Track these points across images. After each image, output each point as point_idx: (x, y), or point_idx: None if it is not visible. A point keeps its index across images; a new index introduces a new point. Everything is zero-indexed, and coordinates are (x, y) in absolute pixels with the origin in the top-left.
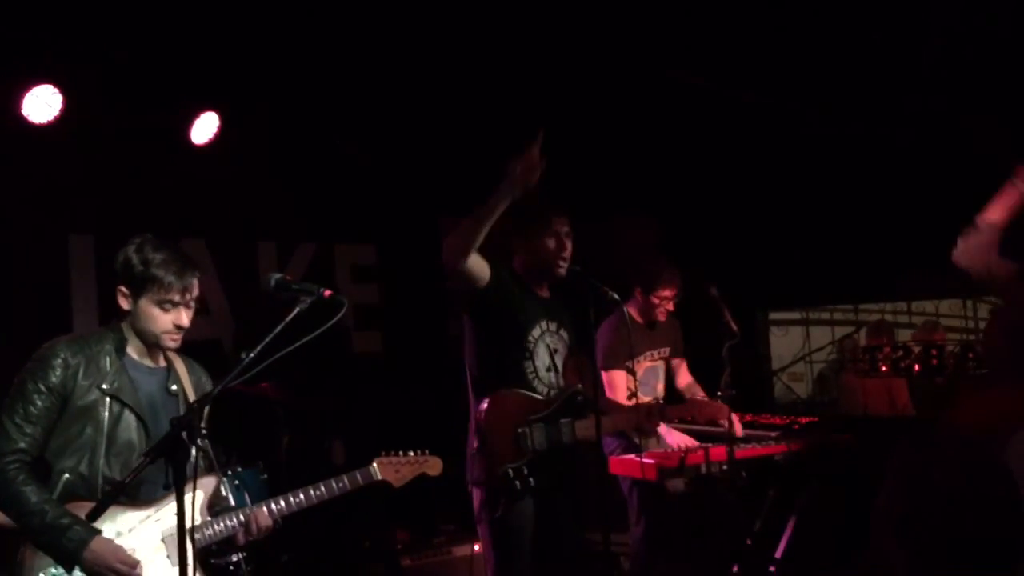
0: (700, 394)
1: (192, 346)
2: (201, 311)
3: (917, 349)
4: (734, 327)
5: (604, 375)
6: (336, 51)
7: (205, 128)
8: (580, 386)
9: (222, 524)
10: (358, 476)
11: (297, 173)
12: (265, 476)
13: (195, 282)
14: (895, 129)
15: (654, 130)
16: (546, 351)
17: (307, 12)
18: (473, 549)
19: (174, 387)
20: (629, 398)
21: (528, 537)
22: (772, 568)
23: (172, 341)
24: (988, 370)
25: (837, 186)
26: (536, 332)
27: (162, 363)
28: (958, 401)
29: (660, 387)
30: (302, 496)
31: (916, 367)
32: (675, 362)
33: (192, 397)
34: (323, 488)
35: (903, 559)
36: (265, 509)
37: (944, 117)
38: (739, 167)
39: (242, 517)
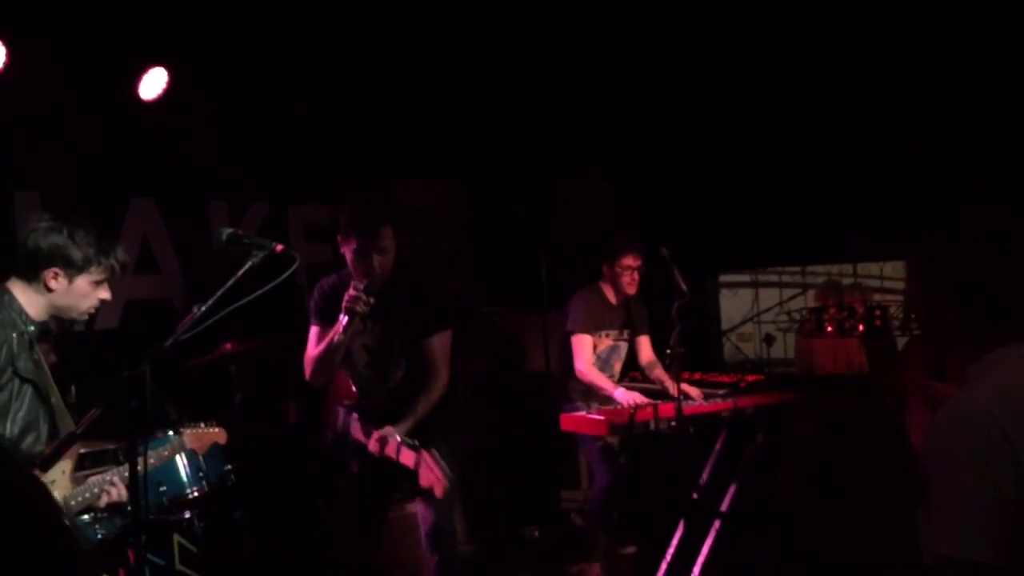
0: (658, 371)
1: (142, 305)
2: (151, 270)
3: (861, 310)
4: (683, 287)
5: (572, 339)
6: (290, 5)
7: (153, 83)
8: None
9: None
10: (176, 444)
11: (250, 131)
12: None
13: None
14: (838, 93)
15: (604, 95)
16: None
17: None
18: None
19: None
20: (594, 363)
21: None
22: (717, 521)
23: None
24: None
25: (785, 150)
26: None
27: None
28: (900, 361)
29: (618, 366)
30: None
31: (860, 327)
32: (640, 339)
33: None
34: (152, 457)
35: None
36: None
37: (887, 80)
38: (690, 131)
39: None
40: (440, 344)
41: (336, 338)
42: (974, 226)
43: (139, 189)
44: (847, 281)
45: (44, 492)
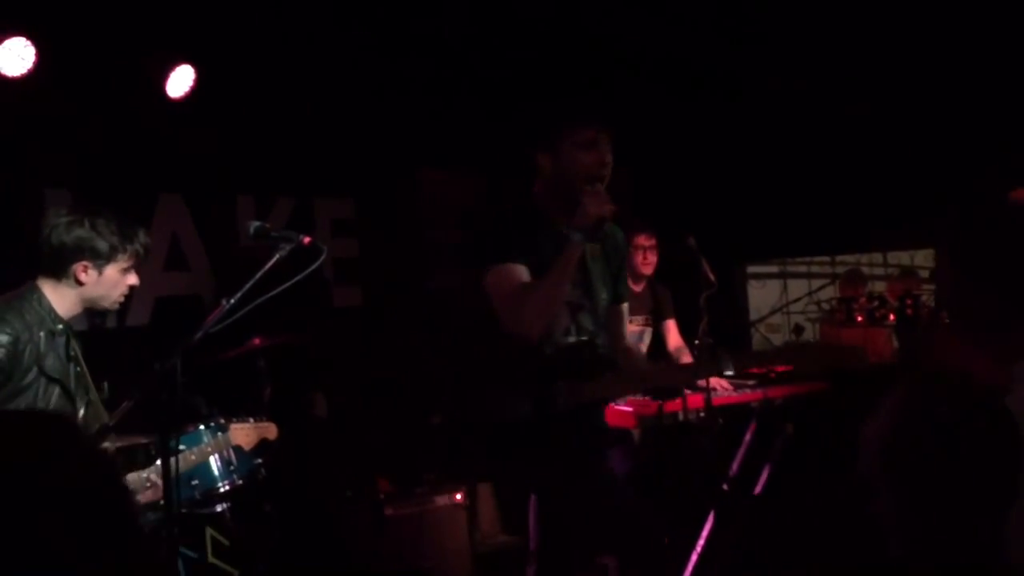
0: (686, 358)
1: (172, 302)
2: (181, 267)
3: (892, 299)
4: (711, 277)
5: None
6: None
7: (181, 81)
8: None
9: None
10: (220, 440)
11: (275, 126)
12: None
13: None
14: (867, 79)
15: (631, 82)
16: None
17: None
18: (455, 498)
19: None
20: None
21: None
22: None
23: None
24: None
25: (812, 138)
26: None
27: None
28: (940, 348)
29: (644, 350)
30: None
31: (891, 316)
32: (667, 323)
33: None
34: (193, 454)
35: (890, 489)
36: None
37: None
38: (716, 121)
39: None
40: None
41: (569, 264)
42: (1018, 216)
43: (167, 186)
44: (877, 271)
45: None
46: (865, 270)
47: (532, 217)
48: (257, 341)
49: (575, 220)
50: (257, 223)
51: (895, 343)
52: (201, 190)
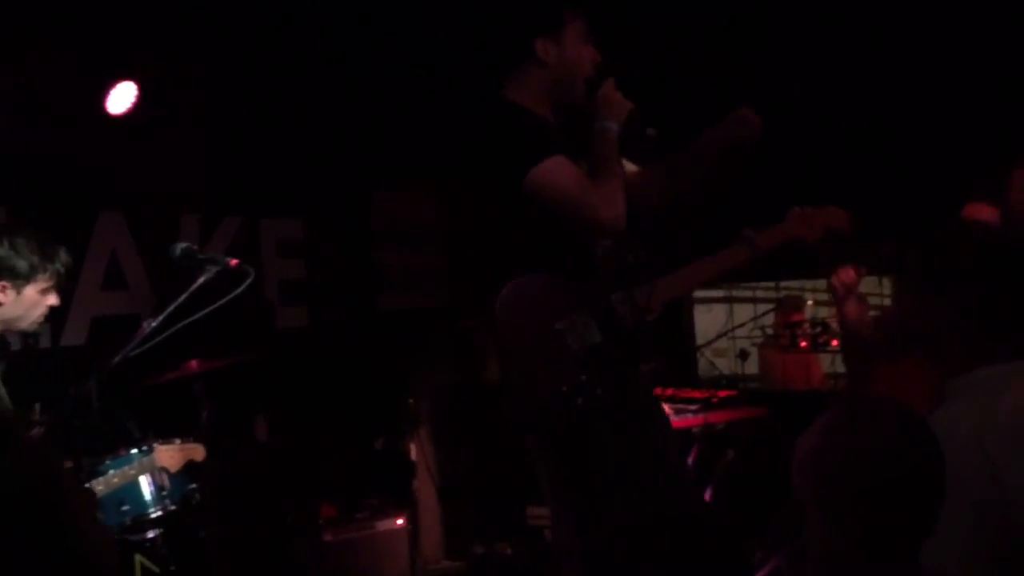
0: None
1: (109, 321)
2: (119, 286)
3: (834, 324)
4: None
5: None
6: (261, 18)
7: (123, 97)
8: None
9: None
10: (144, 463)
11: (221, 144)
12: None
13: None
14: (815, 101)
15: None
16: None
17: None
18: (396, 523)
19: None
20: None
21: None
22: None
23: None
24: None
25: (757, 162)
26: None
27: None
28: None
29: None
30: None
31: (834, 342)
32: None
33: None
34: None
35: (817, 509)
36: None
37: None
38: (665, 145)
39: None
40: None
41: (614, 150)
42: (976, 239)
43: (108, 204)
44: (821, 296)
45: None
46: (810, 296)
47: (539, 120)
48: (194, 364)
49: (604, 110)
50: (183, 245)
51: (840, 367)
52: (143, 208)
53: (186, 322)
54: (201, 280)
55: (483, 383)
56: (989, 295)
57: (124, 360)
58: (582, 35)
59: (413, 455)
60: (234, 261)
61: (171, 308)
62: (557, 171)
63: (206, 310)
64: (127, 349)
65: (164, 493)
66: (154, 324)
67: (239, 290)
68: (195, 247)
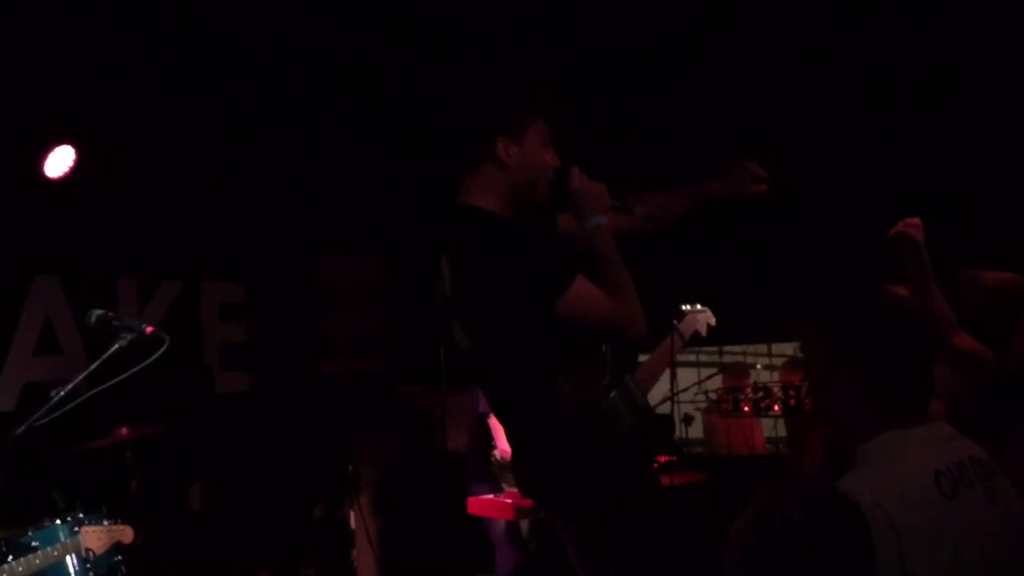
0: None
1: (41, 387)
2: (52, 351)
3: (776, 389)
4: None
5: (489, 419)
6: (200, 78)
7: (60, 161)
8: None
9: None
10: (68, 544)
11: (161, 208)
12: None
13: None
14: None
15: None
16: None
17: (169, 39)
18: None
19: None
20: None
21: None
22: None
23: None
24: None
25: (698, 234)
26: None
27: None
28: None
29: None
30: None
31: (776, 407)
32: None
33: None
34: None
35: None
36: None
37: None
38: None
39: None
40: None
41: (611, 247)
42: (882, 306)
43: (44, 267)
44: (763, 360)
45: None
46: (751, 360)
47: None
48: (124, 431)
49: (587, 208)
50: (99, 311)
51: (782, 432)
52: (80, 272)
53: (97, 390)
54: (114, 348)
55: (430, 450)
56: (886, 361)
57: (29, 429)
58: (543, 138)
59: (353, 523)
60: (149, 328)
61: (80, 377)
62: (587, 298)
63: (117, 379)
64: (33, 419)
65: (89, 566)
66: (62, 393)
67: (153, 357)
68: (110, 314)
